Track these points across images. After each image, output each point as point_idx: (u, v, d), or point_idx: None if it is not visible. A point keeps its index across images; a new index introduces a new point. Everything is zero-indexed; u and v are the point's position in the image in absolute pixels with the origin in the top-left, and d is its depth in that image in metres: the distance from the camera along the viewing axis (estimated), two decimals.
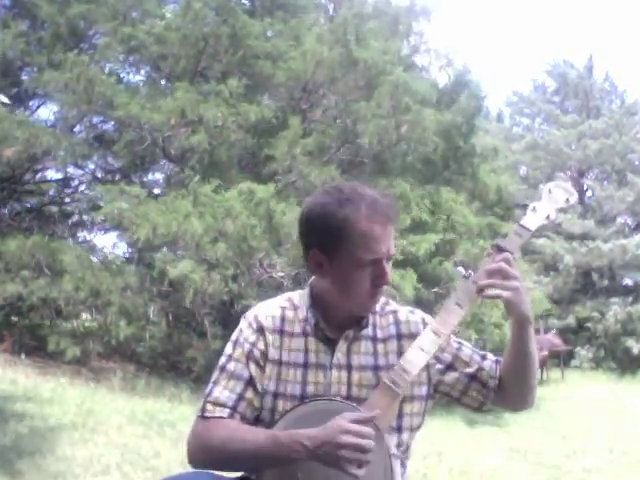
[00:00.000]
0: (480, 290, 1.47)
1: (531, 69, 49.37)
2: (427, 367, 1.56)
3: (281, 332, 1.57)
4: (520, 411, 1.72)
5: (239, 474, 1.58)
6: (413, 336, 1.56)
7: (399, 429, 1.54)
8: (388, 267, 1.51)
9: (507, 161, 16.41)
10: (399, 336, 1.59)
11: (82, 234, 10.47)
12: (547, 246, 17.08)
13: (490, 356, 1.65)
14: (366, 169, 9.30)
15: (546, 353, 12.02)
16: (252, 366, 1.54)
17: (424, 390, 1.58)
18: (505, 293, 1.45)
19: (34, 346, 8.08)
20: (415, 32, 11.18)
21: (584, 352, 16.29)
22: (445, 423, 7.03)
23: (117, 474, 3.94)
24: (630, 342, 15.71)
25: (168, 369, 8.54)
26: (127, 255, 9.78)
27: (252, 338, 1.57)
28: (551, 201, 1.60)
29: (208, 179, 7.76)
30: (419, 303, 7.55)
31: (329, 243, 1.49)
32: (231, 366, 1.55)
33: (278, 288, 7.70)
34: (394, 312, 1.63)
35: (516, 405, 1.68)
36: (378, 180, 8.77)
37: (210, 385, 1.56)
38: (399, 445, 1.53)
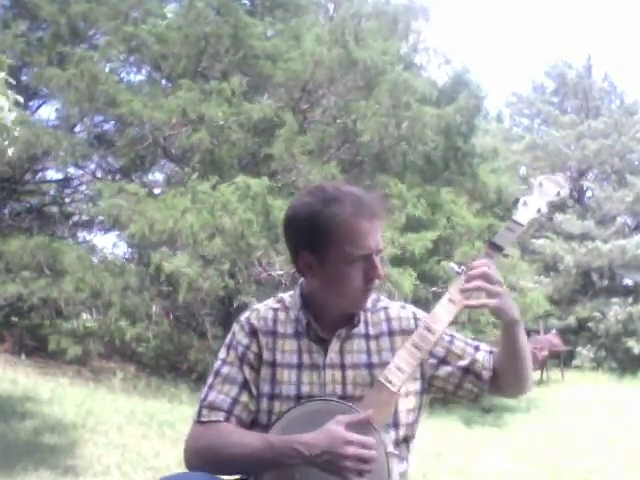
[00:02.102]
0: (465, 293, 1.48)
1: (531, 70, 49.34)
2: (421, 362, 1.56)
3: (274, 334, 1.57)
4: (517, 397, 1.74)
5: (237, 475, 1.58)
6: (405, 332, 1.57)
7: (395, 425, 1.54)
8: (378, 261, 1.51)
9: (507, 162, 16.41)
10: (391, 332, 1.60)
11: (82, 234, 10.49)
12: (547, 246, 17.08)
13: (484, 346, 1.66)
14: (366, 168, 9.30)
15: (546, 353, 12.01)
16: (246, 369, 1.55)
17: (418, 385, 1.59)
18: (491, 302, 1.46)
19: (34, 346, 8.09)
20: (413, 31, 11.15)
21: (585, 352, 16.30)
22: (444, 423, 7.04)
23: (117, 474, 3.95)
24: (631, 342, 15.71)
25: (168, 369, 8.55)
26: (127, 255, 9.79)
27: (245, 341, 1.57)
28: (542, 194, 1.60)
29: (207, 177, 7.76)
30: (417, 302, 7.56)
31: (317, 243, 1.49)
32: (225, 370, 1.56)
33: (277, 286, 7.71)
34: (385, 308, 1.64)
35: (512, 393, 1.71)
36: (378, 179, 8.78)
37: (205, 390, 1.57)
38: (396, 441, 1.53)
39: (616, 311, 16.15)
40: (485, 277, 1.46)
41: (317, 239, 1.49)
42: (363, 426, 1.40)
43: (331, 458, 1.36)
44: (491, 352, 1.64)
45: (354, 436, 1.37)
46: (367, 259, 1.49)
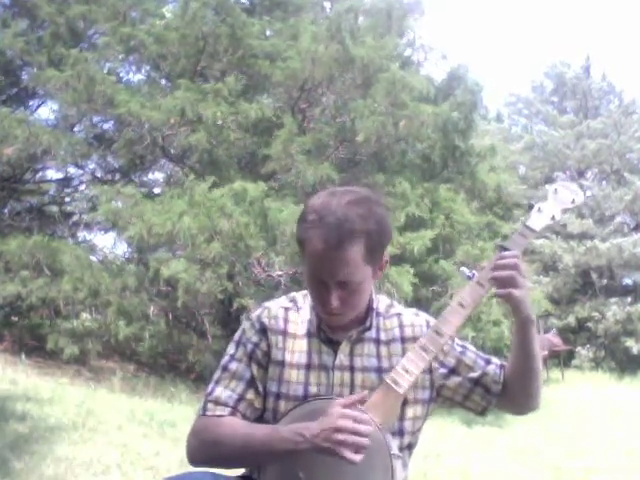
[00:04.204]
0: (492, 280, 1.47)
1: (530, 70, 49.38)
2: (430, 371, 1.56)
3: (284, 333, 1.57)
4: (525, 414, 1.70)
5: (240, 473, 1.58)
6: (417, 339, 1.55)
7: (401, 433, 1.54)
8: (337, 292, 1.46)
9: (506, 161, 16.42)
10: (403, 339, 1.59)
11: (82, 234, 10.48)
12: (546, 246, 17.09)
13: (495, 360, 1.65)
14: (365, 167, 9.28)
15: (546, 353, 12.02)
16: (254, 367, 1.55)
17: (427, 394, 1.58)
18: (517, 292, 1.45)
19: (34, 346, 8.08)
20: (409, 27, 11.13)
21: (584, 352, 16.31)
22: (445, 423, 7.03)
23: (117, 474, 3.94)
24: (630, 342, 15.72)
25: (168, 369, 8.54)
26: (127, 255, 9.78)
27: (255, 339, 1.57)
28: (557, 201, 1.59)
29: (204, 177, 7.75)
30: (417, 301, 7.55)
31: (299, 245, 1.51)
32: (233, 366, 1.56)
33: (276, 287, 7.70)
34: (398, 315, 1.62)
35: (521, 409, 1.68)
36: (376, 178, 8.77)
37: (212, 384, 1.56)
38: (400, 448, 1.53)
39: (615, 311, 16.18)
40: (515, 267, 1.46)
41: (298, 242, 1.50)
42: (358, 408, 1.39)
43: (327, 435, 1.34)
44: (502, 366, 1.63)
45: (349, 411, 1.37)
46: (323, 285, 1.47)
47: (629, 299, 16.69)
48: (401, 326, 1.60)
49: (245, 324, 1.61)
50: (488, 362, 1.63)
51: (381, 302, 1.63)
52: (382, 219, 1.47)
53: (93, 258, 8.76)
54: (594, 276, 17.19)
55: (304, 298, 1.62)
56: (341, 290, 1.46)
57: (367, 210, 1.44)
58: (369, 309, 1.58)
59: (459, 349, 1.62)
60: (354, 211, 1.43)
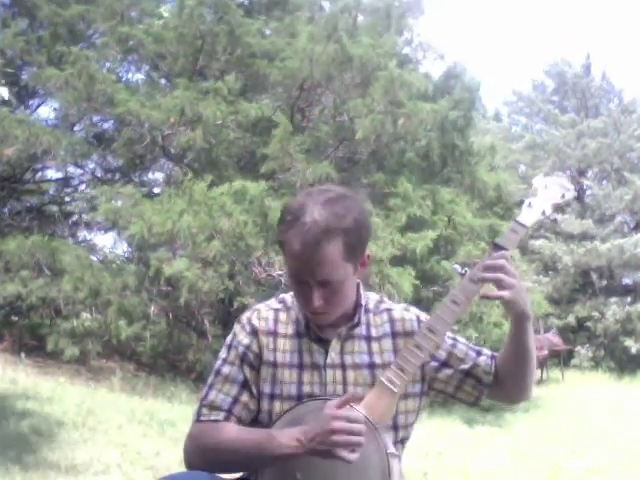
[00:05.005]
0: (481, 281, 1.47)
1: (530, 69, 49.33)
2: (422, 364, 1.56)
3: (275, 334, 1.57)
4: (516, 404, 1.72)
5: (238, 475, 1.58)
6: (408, 334, 1.56)
7: (394, 427, 1.54)
8: (319, 292, 1.46)
9: (506, 160, 16.41)
10: (394, 334, 1.59)
11: (82, 234, 10.48)
12: (545, 247, 17.09)
13: (486, 351, 1.65)
14: (364, 166, 9.28)
15: (546, 352, 12.02)
16: (246, 369, 1.55)
17: (418, 387, 1.59)
18: (506, 294, 1.44)
19: (34, 345, 8.09)
20: (408, 26, 11.11)
21: (584, 351, 16.32)
22: (445, 423, 7.04)
23: (117, 473, 3.94)
24: (629, 342, 15.72)
25: (168, 369, 8.54)
26: (127, 255, 9.78)
27: (246, 341, 1.57)
28: (547, 196, 1.59)
29: (202, 176, 7.76)
30: (418, 301, 7.55)
31: (280, 249, 1.52)
32: (226, 369, 1.56)
33: (276, 287, 7.70)
34: (388, 310, 1.63)
35: (513, 399, 1.70)
36: (376, 177, 8.76)
37: (205, 389, 1.57)
38: (394, 442, 1.53)
39: (614, 310, 16.18)
40: (502, 269, 1.46)
41: (279, 244, 1.51)
42: (351, 406, 1.39)
43: (322, 438, 1.35)
44: (493, 357, 1.64)
45: (341, 412, 1.37)
46: (305, 286, 1.47)
47: (629, 299, 16.70)
48: (391, 321, 1.61)
49: (236, 327, 1.62)
50: (479, 353, 1.64)
51: (370, 299, 1.63)
52: (359, 216, 1.47)
53: (93, 258, 8.77)
54: (594, 276, 17.19)
55: (293, 299, 1.62)
56: (323, 289, 1.46)
57: (343, 208, 1.45)
58: (357, 305, 1.58)
59: (450, 341, 1.62)
60: (330, 210, 1.43)
